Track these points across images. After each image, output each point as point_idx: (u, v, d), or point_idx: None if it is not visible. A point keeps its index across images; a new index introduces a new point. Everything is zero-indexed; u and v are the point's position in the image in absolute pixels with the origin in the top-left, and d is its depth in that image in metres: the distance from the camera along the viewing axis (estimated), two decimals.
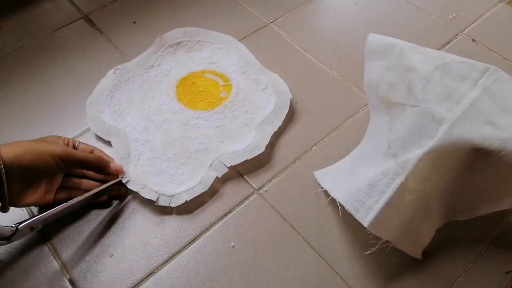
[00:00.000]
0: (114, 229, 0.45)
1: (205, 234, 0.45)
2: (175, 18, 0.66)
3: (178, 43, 0.60)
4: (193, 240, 0.45)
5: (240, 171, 0.50)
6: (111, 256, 0.43)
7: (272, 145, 0.52)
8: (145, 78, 0.57)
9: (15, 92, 0.57)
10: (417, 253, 0.43)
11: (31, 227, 0.41)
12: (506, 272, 0.43)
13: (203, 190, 0.47)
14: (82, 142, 0.47)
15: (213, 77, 0.57)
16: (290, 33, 0.65)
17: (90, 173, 0.47)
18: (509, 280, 0.43)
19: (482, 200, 0.43)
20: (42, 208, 0.43)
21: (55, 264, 0.43)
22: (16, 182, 0.39)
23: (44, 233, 0.45)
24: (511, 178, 0.40)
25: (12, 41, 0.63)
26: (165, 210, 0.47)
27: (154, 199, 0.46)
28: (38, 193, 0.42)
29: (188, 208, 0.47)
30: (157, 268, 0.43)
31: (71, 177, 0.46)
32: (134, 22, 0.66)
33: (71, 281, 0.42)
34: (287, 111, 0.54)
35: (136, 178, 0.48)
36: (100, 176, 0.47)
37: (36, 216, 0.41)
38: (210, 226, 0.46)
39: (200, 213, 0.47)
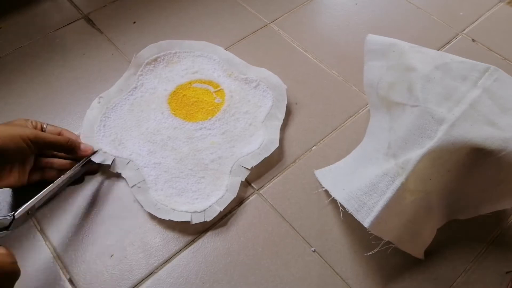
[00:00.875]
0: (114, 229, 0.45)
1: (205, 234, 0.45)
2: (175, 18, 0.66)
3: (155, 59, 0.58)
4: (193, 240, 0.45)
5: None
6: (111, 256, 0.43)
7: None
8: (132, 101, 0.55)
9: (15, 92, 0.57)
10: (419, 253, 0.43)
11: (27, 212, 0.41)
12: (506, 272, 0.43)
13: (233, 197, 0.47)
14: (49, 124, 0.47)
15: (202, 85, 0.57)
16: (290, 33, 0.65)
17: (60, 154, 0.48)
18: (509, 280, 0.43)
19: (482, 200, 0.43)
20: (18, 192, 0.45)
21: (55, 264, 0.43)
22: None
23: (44, 233, 0.45)
24: (511, 178, 0.40)
25: (12, 41, 0.63)
26: (201, 227, 0.46)
27: (189, 219, 0.45)
28: (12, 176, 0.42)
29: None
30: (157, 268, 0.43)
31: (42, 158, 0.47)
32: (134, 22, 0.66)
33: (71, 281, 0.42)
34: (286, 102, 0.54)
35: (162, 204, 0.46)
36: (69, 156, 0.48)
37: (28, 202, 0.41)
38: (210, 226, 0.46)
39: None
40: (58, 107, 0.55)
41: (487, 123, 0.39)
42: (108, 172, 0.49)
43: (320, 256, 0.44)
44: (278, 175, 0.50)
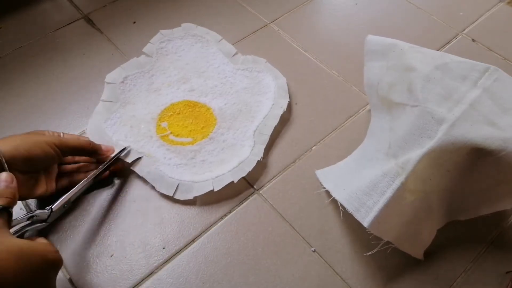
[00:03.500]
0: (114, 229, 0.45)
1: (205, 234, 0.45)
2: (175, 18, 0.66)
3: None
4: (193, 240, 0.45)
5: None
6: (111, 256, 0.43)
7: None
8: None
9: (15, 92, 0.57)
10: (418, 253, 0.43)
11: (63, 205, 0.43)
12: (506, 272, 0.43)
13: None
14: (65, 133, 0.48)
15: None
16: (290, 33, 0.65)
17: (82, 158, 0.48)
18: (509, 280, 0.43)
19: (482, 200, 0.43)
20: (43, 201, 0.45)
21: None
22: (18, 173, 0.39)
23: (44, 234, 0.45)
24: (511, 178, 0.40)
25: (12, 41, 0.63)
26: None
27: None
28: (40, 186, 0.43)
29: (189, 208, 0.47)
30: (157, 268, 0.43)
31: (64, 165, 0.47)
32: (134, 22, 0.66)
33: (71, 281, 0.42)
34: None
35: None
36: (93, 159, 0.49)
37: (64, 195, 0.43)
38: (210, 226, 0.46)
39: (200, 213, 0.47)
40: (58, 107, 0.55)
41: (487, 123, 0.39)
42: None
43: (320, 256, 0.44)
44: (278, 175, 0.50)
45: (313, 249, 0.45)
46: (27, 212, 0.41)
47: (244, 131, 0.53)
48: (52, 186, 0.44)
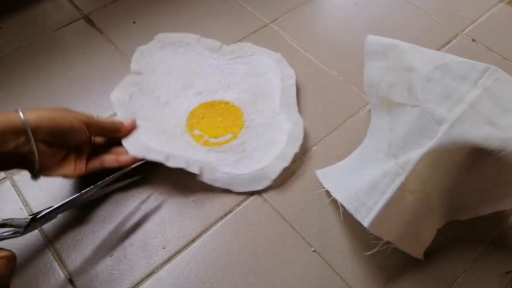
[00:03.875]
0: (114, 229, 0.45)
1: (205, 234, 0.45)
2: (175, 18, 0.66)
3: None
4: (193, 240, 0.45)
5: None
6: (111, 256, 0.43)
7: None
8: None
9: (15, 92, 0.57)
10: (418, 253, 0.43)
11: (46, 219, 0.40)
12: (506, 272, 0.43)
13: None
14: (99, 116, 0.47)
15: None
16: (290, 33, 0.65)
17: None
18: (509, 280, 0.43)
19: (482, 200, 0.43)
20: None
21: (55, 264, 0.43)
22: (43, 145, 0.39)
23: (45, 233, 0.45)
24: (511, 178, 0.40)
25: (12, 41, 0.63)
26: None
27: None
28: (68, 165, 0.42)
29: (189, 208, 0.47)
30: (157, 268, 0.43)
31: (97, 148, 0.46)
32: (134, 22, 0.66)
33: (71, 281, 0.42)
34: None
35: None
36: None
37: (50, 208, 0.40)
38: (210, 226, 0.46)
39: (200, 213, 0.47)
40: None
41: (487, 123, 0.39)
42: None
43: (320, 256, 0.44)
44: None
45: (313, 249, 0.45)
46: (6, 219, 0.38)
47: (271, 109, 0.54)
48: (82, 167, 0.43)
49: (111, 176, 0.44)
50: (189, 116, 0.53)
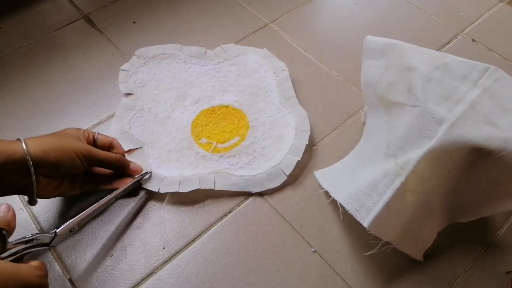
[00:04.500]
0: (114, 229, 0.45)
1: (205, 234, 0.45)
2: (175, 18, 0.66)
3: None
4: (193, 240, 0.45)
5: None
6: (111, 256, 0.43)
7: None
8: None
9: (15, 92, 0.57)
10: (418, 254, 0.43)
11: (70, 230, 0.41)
12: (506, 272, 0.43)
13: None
14: (100, 134, 0.47)
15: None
16: (290, 33, 0.65)
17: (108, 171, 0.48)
18: (509, 280, 0.43)
19: (483, 201, 0.43)
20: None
21: (55, 264, 0.43)
22: (43, 177, 0.39)
23: (44, 233, 0.45)
24: (511, 178, 0.40)
25: (12, 41, 0.63)
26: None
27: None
28: (63, 187, 0.43)
29: (189, 208, 0.47)
30: (157, 268, 0.43)
31: (92, 168, 0.47)
32: (134, 22, 0.66)
33: (71, 281, 0.42)
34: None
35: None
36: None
37: (71, 220, 0.41)
38: (210, 226, 0.46)
39: (200, 213, 0.47)
40: (58, 107, 0.55)
41: (487, 123, 0.39)
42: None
43: (320, 256, 0.44)
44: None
45: (313, 249, 0.45)
46: (29, 236, 0.38)
47: (272, 106, 0.54)
48: (76, 189, 0.44)
49: (126, 186, 0.45)
50: (192, 126, 0.53)
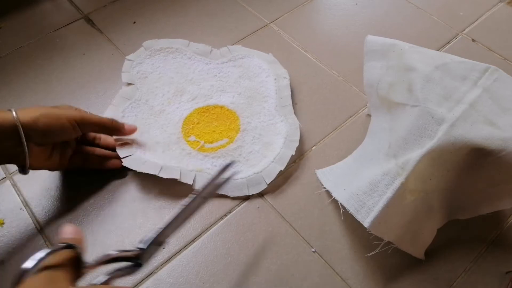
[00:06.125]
0: (113, 228, 0.45)
1: (205, 234, 0.45)
2: (175, 18, 0.66)
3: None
4: (193, 240, 0.45)
5: None
6: None
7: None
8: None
9: (15, 92, 0.57)
10: (419, 253, 0.43)
11: (159, 243, 0.35)
12: (506, 272, 0.43)
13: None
14: (90, 113, 0.48)
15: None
16: (290, 33, 0.65)
17: (103, 139, 0.48)
18: (509, 280, 0.43)
19: (482, 199, 0.43)
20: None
21: None
22: (33, 144, 0.40)
23: (44, 233, 0.45)
24: (511, 178, 0.40)
25: (12, 41, 0.63)
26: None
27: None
28: (53, 158, 0.43)
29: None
30: (157, 268, 0.43)
31: (83, 145, 0.47)
32: (134, 22, 0.66)
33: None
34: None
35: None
36: (112, 143, 0.48)
37: (159, 231, 0.34)
38: (210, 226, 0.46)
39: (200, 213, 0.47)
40: None
41: (487, 123, 0.39)
42: (108, 171, 0.49)
43: (320, 256, 0.44)
44: (278, 175, 0.50)
45: (313, 249, 0.45)
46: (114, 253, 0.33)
47: (266, 112, 0.54)
48: (65, 162, 0.45)
49: (206, 183, 0.39)
50: (184, 122, 0.53)
